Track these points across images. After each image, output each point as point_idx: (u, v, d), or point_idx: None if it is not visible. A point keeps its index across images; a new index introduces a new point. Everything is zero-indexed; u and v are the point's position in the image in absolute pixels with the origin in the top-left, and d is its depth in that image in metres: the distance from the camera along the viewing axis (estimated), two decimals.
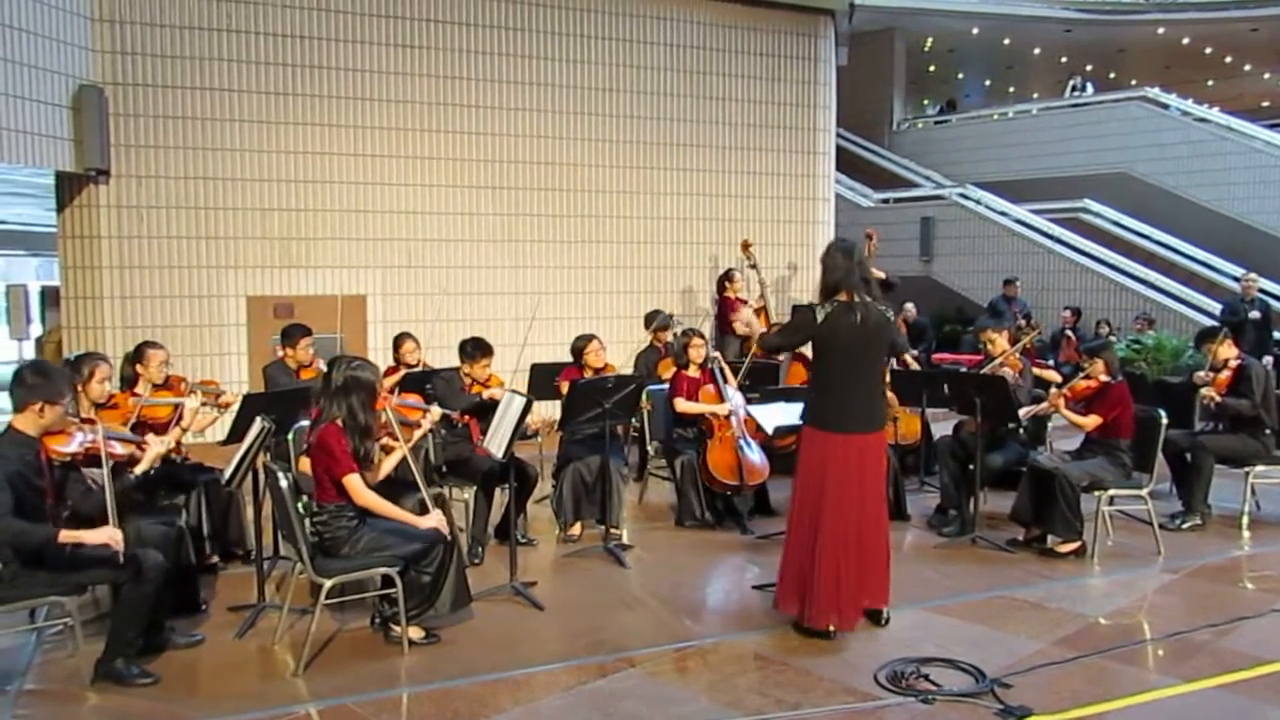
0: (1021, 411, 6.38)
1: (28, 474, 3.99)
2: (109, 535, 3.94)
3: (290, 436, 5.48)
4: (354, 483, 4.39)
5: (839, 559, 4.51)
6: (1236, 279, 14.96)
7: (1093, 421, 6.12)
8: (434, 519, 4.51)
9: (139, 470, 4.42)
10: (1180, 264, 15.94)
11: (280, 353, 6.79)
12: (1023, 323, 11.18)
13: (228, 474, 4.92)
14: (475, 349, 6.20)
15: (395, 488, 4.89)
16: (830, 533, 4.51)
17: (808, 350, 7.08)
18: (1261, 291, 12.46)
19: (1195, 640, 4.64)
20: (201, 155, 9.07)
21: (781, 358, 8.45)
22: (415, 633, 4.56)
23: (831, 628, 4.57)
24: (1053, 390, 6.36)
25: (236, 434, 5.11)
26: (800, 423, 4.78)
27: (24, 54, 7.83)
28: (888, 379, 7.12)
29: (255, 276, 9.35)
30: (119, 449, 4.45)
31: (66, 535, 3.93)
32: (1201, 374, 6.91)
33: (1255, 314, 11.75)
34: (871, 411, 4.61)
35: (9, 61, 7.68)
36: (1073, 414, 6.21)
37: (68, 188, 8.84)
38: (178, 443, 5.42)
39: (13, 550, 3.92)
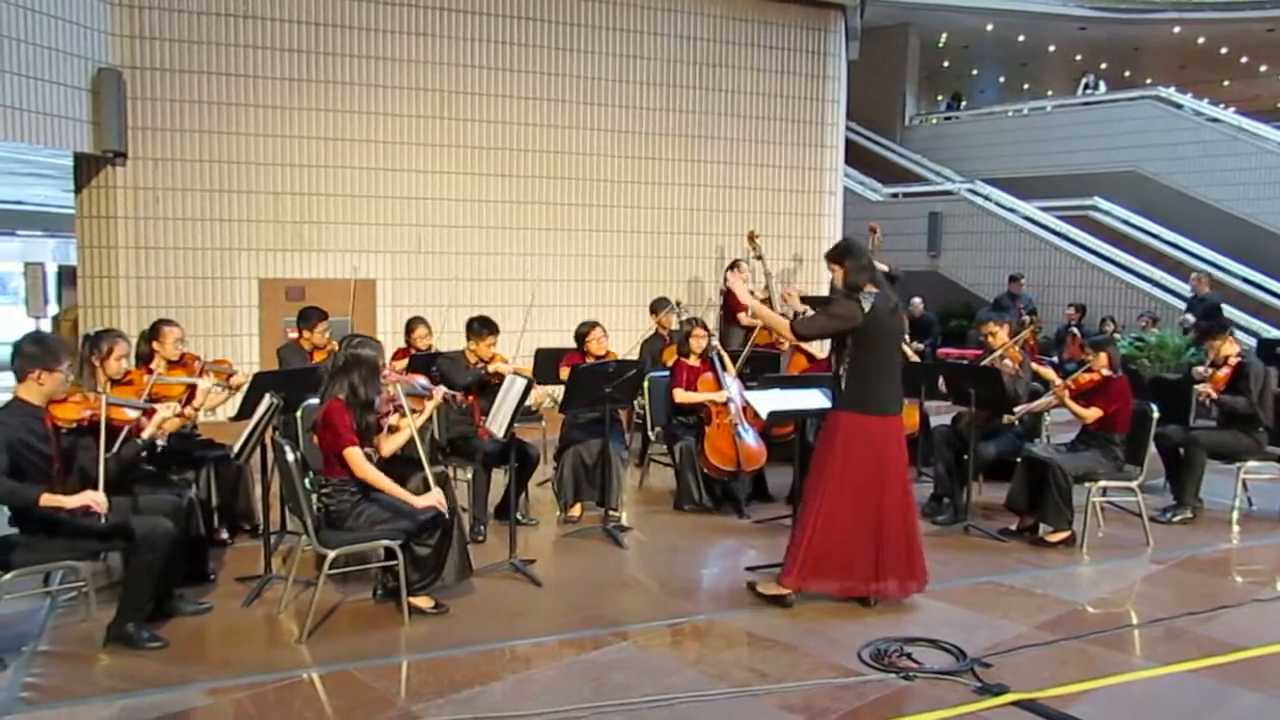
0: (1019, 409, 6.47)
1: (32, 441, 4.06)
2: (89, 498, 3.97)
3: (299, 414, 5.62)
4: (354, 455, 4.52)
5: (900, 531, 4.82)
6: (1245, 279, 14.98)
7: (1094, 414, 6.18)
8: (432, 497, 4.58)
9: (145, 435, 4.48)
10: (1188, 263, 15.95)
11: (295, 334, 6.91)
12: (1027, 318, 11.22)
13: (236, 448, 5.06)
14: (482, 326, 6.34)
15: (400, 464, 5.03)
16: (892, 509, 4.78)
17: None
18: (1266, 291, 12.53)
19: (1175, 627, 4.74)
20: (217, 139, 9.24)
21: (785, 347, 8.56)
22: (424, 602, 4.71)
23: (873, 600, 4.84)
24: (1056, 382, 6.42)
25: (246, 410, 5.24)
26: (828, 408, 4.97)
27: (45, 37, 8.00)
28: None
29: (267, 259, 9.52)
30: (129, 413, 4.56)
31: (47, 500, 3.92)
32: (1200, 369, 6.97)
33: (1189, 317, 11.86)
34: (901, 394, 4.96)
35: (30, 44, 7.85)
36: (1076, 405, 6.28)
37: (86, 169, 9.02)
38: (191, 420, 5.56)
39: (16, 514, 4.08)
